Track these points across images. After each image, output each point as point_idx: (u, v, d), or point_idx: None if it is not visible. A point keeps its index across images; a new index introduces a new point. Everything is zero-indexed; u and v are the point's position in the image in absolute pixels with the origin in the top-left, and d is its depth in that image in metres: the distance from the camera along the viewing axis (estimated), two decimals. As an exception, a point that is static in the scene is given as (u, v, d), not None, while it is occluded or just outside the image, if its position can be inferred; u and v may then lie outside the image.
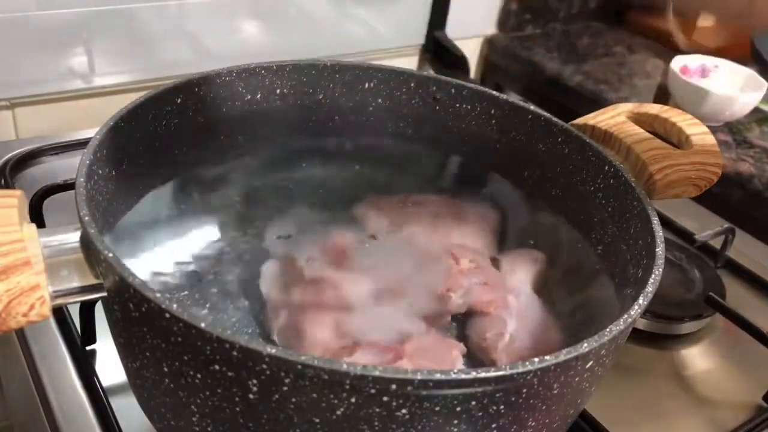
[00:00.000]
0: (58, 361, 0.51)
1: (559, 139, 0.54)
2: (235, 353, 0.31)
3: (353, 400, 0.32)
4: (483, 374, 0.31)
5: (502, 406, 0.34)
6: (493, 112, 0.58)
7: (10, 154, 0.71)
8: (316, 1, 0.90)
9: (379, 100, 0.60)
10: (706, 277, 0.67)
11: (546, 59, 1.02)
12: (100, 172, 0.43)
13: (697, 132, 0.55)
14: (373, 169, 0.61)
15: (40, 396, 0.50)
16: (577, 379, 0.36)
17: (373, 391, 0.31)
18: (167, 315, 0.32)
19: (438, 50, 1.01)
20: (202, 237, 0.53)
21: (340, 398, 0.32)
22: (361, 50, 0.97)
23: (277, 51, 0.90)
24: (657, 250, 0.42)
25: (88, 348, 0.52)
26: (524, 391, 0.34)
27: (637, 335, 0.62)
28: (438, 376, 0.31)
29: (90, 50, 0.78)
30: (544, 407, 0.36)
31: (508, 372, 0.32)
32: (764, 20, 0.93)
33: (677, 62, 0.93)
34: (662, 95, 0.96)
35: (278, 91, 0.57)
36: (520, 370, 0.32)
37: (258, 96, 0.57)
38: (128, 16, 0.78)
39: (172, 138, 0.52)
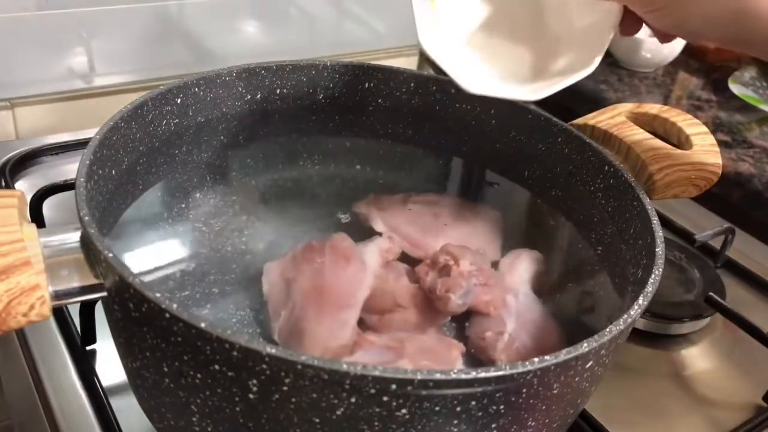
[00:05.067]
0: (58, 361, 0.51)
1: (559, 139, 0.54)
2: (235, 353, 0.31)
3: (353, 400, 0.32)
4: (483, 374, 0.31)
5: (502, 406, 0.34)
6: (493, 112, 0.58)
7: (10, 154, 0.71)
8: (316, 1, 0.90)
9: (379, 100, 0.60)
10: (706, 277, 0.66)
11: (546, 59, 1.02)
12: (100, 172, 0.43)
13: (697, 132, 0.55)
14: (373, 169, 0.61)
15: (40, 396, 0.50)
16: (577, 379, 0.36)
17: (373, 391, 0.31)
18: (167, 315, 0.32)
19: (438, 50, 1.01)
20: (202, 237, 0.53)
21: (340, 398, 0.32)
22: (361, 50, 0.97)
23: (277, 51, 0.90)
24: (657, 250, 0.42)
25: (88, 348, 0.52)
26: (524, 391, 0.34)
27: (637, 335, 0.61)
28: (438, 376, 0.31)
29: (90, 50, 0.78)
30: (544, 407, 0.36)
31: (508, 372, 0.32)
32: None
33: None
34: (664, 95, 0.96)
35: (278, 91, 0.57)
36: (520, 370, 0.32)
37: (258, 96, 0.57)
38: (128, 16, 0.78)
39: (172, 138, 0.52)
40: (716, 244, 0.71)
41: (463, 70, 0.46)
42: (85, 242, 0.37)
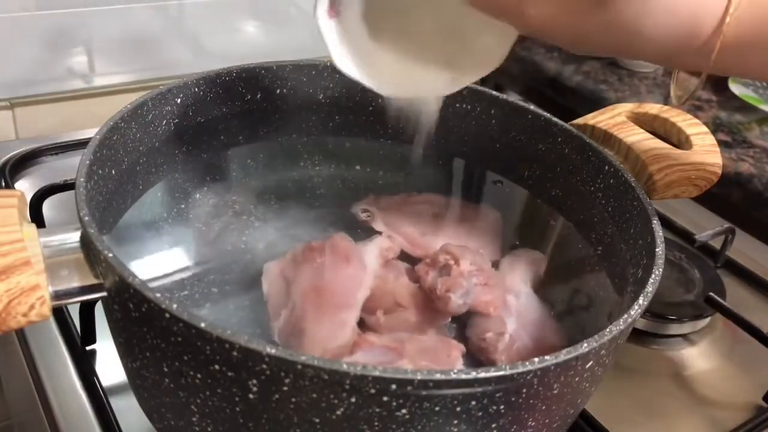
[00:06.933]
0: (58, 361, 0.51)
1: (559, 139, 0.54)
2: (235, 353, 0.31)
3: (353, 400, 0.32)
4: (483, 374, 0.31)
5: (502, 406, 0.34)
6: (493, 112, 0.58)
7: (10, 154, 0.71)
8: (316, 1, 0.90)
9: (379, 100, 0.59)
10: (706, 277, 0.66)
11: (546, 59, 1.02)
12: (100, 172, 0.43)
13: (697, 132, 0.55)
14: (373, 169, 0.61)
15: (40, 396, 0.50)
16: (577, 379, 0.36)
17: (373, 391, 0.31)
18: (167, 315, 0.32)
19: (438, 50, 1.01)
20: (202, 237, 0.53)
21: (340, 398, 0.32)
22: (361, 50, 0.97)
23: (277, 51, 0.90)
24: (657, 250, 0.42)
25: (88, 348, 0.52)
26: (524, 391, 0.34)
27: (637, 335, 0.62)
28: (438, 376, 0.31)
29: (90, 50, 0.78)
30: (544, 407, 0.36)
31: (508, 372, 0.32)
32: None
33: None
34: (664, 95, 0.96)
35: (278, 91, 0.57)
36: (520, 370, 0.32)
37: (258, 96, 0.57)
38: (128, 16, 0.78)
39: (172, 138, 0.52)
40: (716, 244, 0.71)
41: (377, 77, 0.48)
42: (85, 242, 0.37)
